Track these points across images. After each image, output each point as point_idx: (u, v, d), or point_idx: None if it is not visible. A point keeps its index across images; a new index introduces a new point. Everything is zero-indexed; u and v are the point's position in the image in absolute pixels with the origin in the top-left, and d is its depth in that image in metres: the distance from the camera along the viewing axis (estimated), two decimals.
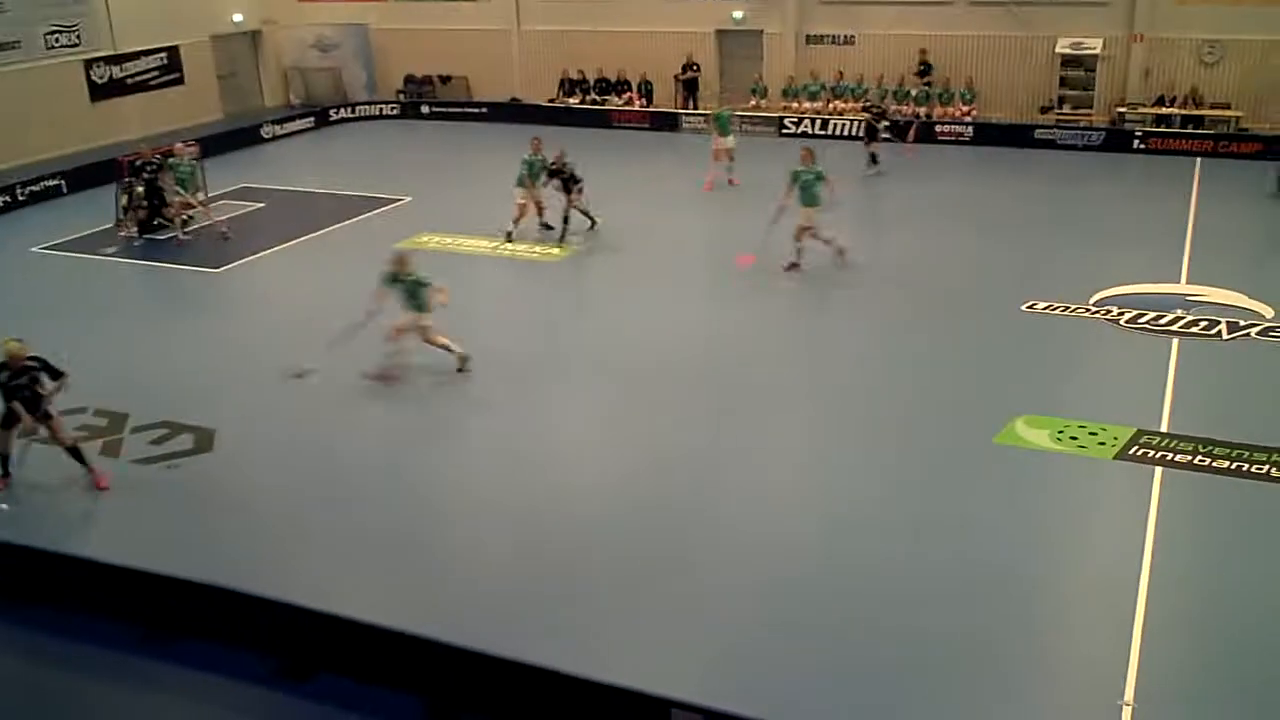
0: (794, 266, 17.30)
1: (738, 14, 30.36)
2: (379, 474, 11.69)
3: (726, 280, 17.36)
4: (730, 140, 22.93)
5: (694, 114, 30.00)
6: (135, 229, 20.65)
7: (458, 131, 30.87)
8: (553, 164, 19.03)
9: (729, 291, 16.90)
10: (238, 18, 32.89)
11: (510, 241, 19.17)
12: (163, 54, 30.70)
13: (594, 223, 19.57)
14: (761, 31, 30.41)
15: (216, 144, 26.60)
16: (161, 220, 20.70)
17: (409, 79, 34.21)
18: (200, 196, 20.94)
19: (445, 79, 33.98)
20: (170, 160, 20.53)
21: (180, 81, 31.34)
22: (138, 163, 21.04)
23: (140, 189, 20.80)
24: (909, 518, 10.54)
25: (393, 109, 33.07)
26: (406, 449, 12.33)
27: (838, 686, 8.28)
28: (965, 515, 10.57)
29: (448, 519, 10.89)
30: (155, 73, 30.59)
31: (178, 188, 20.24)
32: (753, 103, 29.88)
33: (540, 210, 19.61)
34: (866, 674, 8.41)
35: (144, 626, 9.13)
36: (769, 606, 9.27)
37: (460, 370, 13.94)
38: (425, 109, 32.91)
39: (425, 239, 19.71)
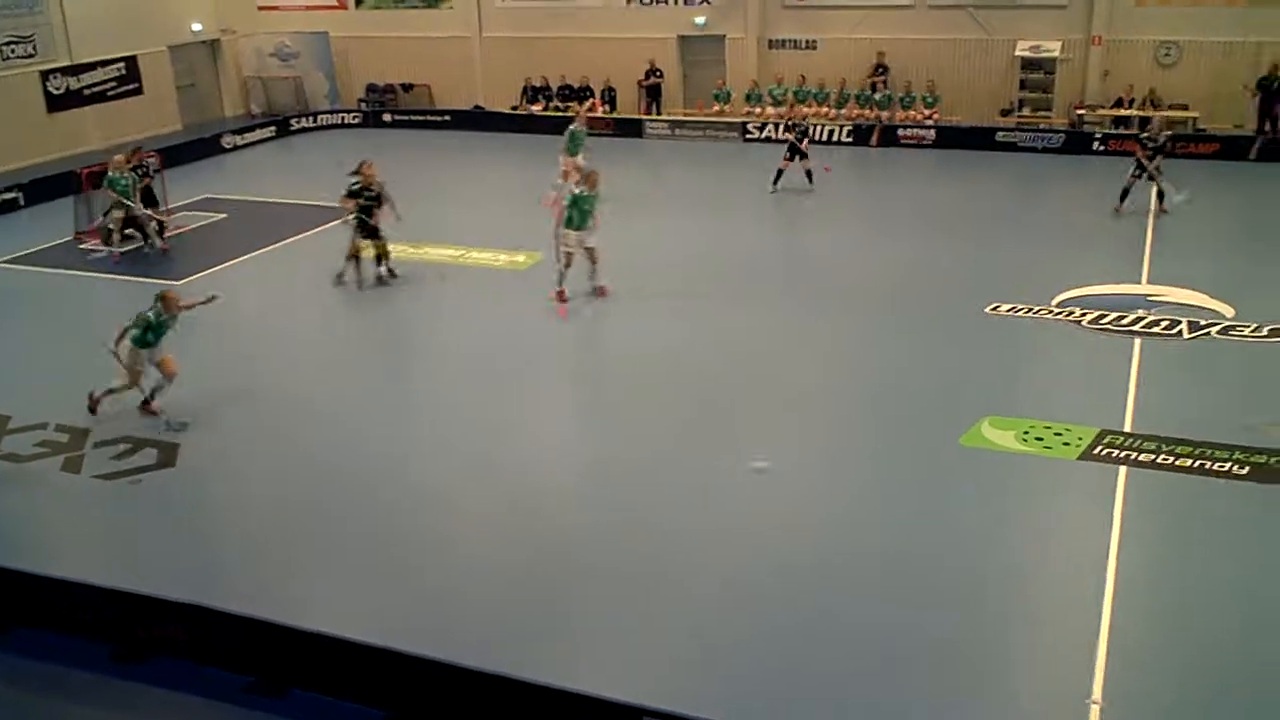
0: (561, 296, 16.49)
1: (700, 19, 30.45)
2: (348, 486, 11.61)
3: (695, 287, 17.38)
4: (580, 159, 21.56)
5: (658, 120, 30.06)
6: (118, 239, 20.13)
7: (421, 140, 30.76)
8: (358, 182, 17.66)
9: (695, 298, 16.90)
10: (196, 27, 32.63)
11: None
12: (120, 64, 30.37)
13: None
14: (724, 36, 30.52)
15: (177, 154, 26.36)
16: (131, 232, 20.44)
17: (371, 87, 34.07)
18: (161, 208, 20.75)
19: (407, 87, 33.86)
20: (109, 175, 20.14)
21: (139, 92, 31.02)
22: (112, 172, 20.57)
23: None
24: (878, 520, 10.59)
25: (355, 118, 32.90)
26: (375, 459, 12.25)
27: (809, 688, 8.30)
28: (934, 516, 10.63)
29: (419, 530, 10.82)
30: (113, 83, 30.26)
31: (126, 201, 19.89)
32: (715, 108, 29.95)
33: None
34: (837, 675, 8.44)
35: (113, 645, 9.02)
36: (738, 611, 9.28)
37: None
38: (388, 117, 32.77)
39: (390, 248, 19.58)
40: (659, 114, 30.56)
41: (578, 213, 16.25)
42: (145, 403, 13.20)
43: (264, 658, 8.64)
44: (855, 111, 28.80)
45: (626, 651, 8.89)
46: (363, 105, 33.64)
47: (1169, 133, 21.12)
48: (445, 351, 15.32)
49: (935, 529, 10.43)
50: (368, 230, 17.58)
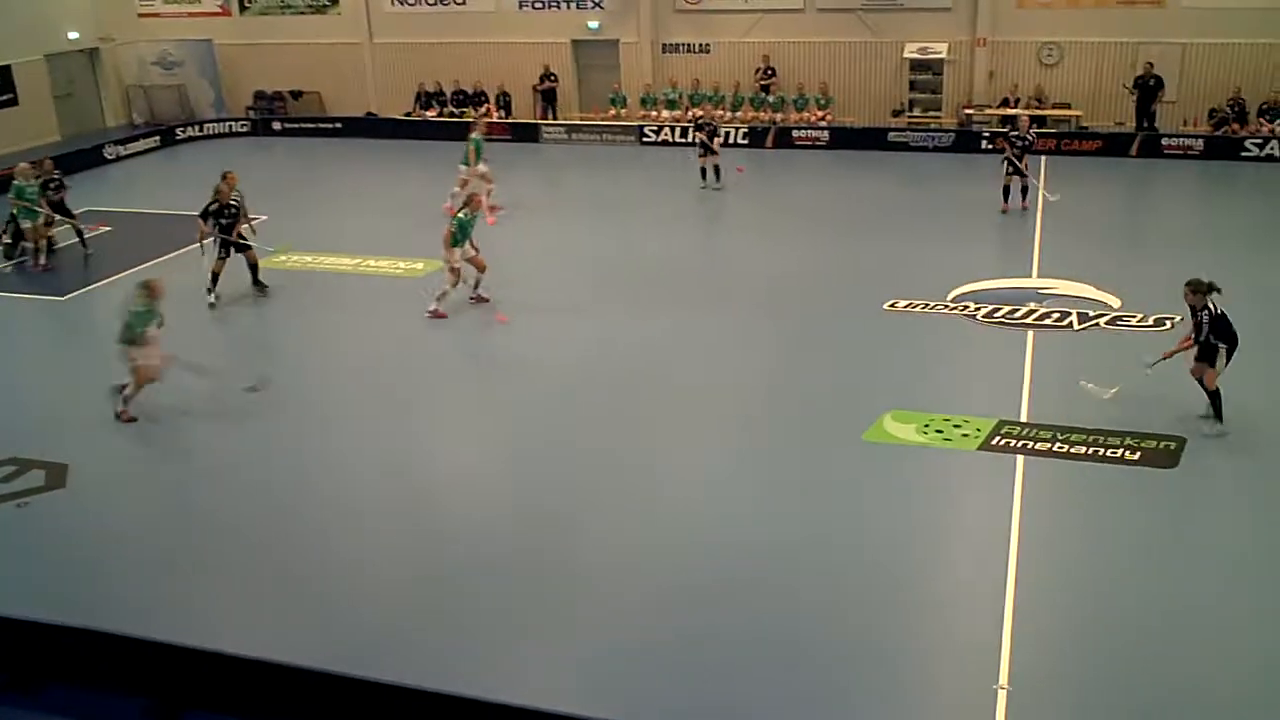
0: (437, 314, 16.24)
1: (593, 24, 30.43)
2: (245, 500, 11.31)
3: (596, 291, 17.34)
4: (482, 166, 21.47)
5: (554, 124, 29.96)
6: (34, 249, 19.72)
7: (312, 148, 30.23)
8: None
9: (597, 302, 16.86)
10: (73, 35, 31.62)
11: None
12: None
13: None
14: (618, 41, 30.55)
15: (56, 166, 25.41)
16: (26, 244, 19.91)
17: (259, 95, 33.35)
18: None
19: (297, 94, 33.22)
20: (16, 184, 19.56)
21: (14, 102, 29.98)
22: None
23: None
24: (783, 516, 10.66)
25: (243, 126, 32.19)
26: (275, 471, 11.95)
27: (715, 688, 8.29)
28: (839, 511, 10.74)
29: (327, 543, 10.58)
30: None
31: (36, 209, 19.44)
32: (611, 112, 29.97)
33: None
34: (747, 672, 8.45)
35: (4, 674, 8.63)
36: (648, 613, 9.25)
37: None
38: (277, 125, 32.12)
39: (284, 257, 19.20)
40: (555, 119, 30.45)
41: (461, 233, 16.20)
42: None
43: (160, 679, 8.34)
44: (749, 114, 29.05)
45: (542, 660, 8.80)
46: (251, 113, 32.92)
47: (1035, 130, 21.72)
48: (345, 361, 15.03)
49: (840, 523, 10.54)
50: (230, 249, 17.15)
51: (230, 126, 32.07)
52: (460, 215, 16.37)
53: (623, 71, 30.63)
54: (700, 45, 30.05)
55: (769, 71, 29.14)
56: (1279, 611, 9.07)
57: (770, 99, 28.93)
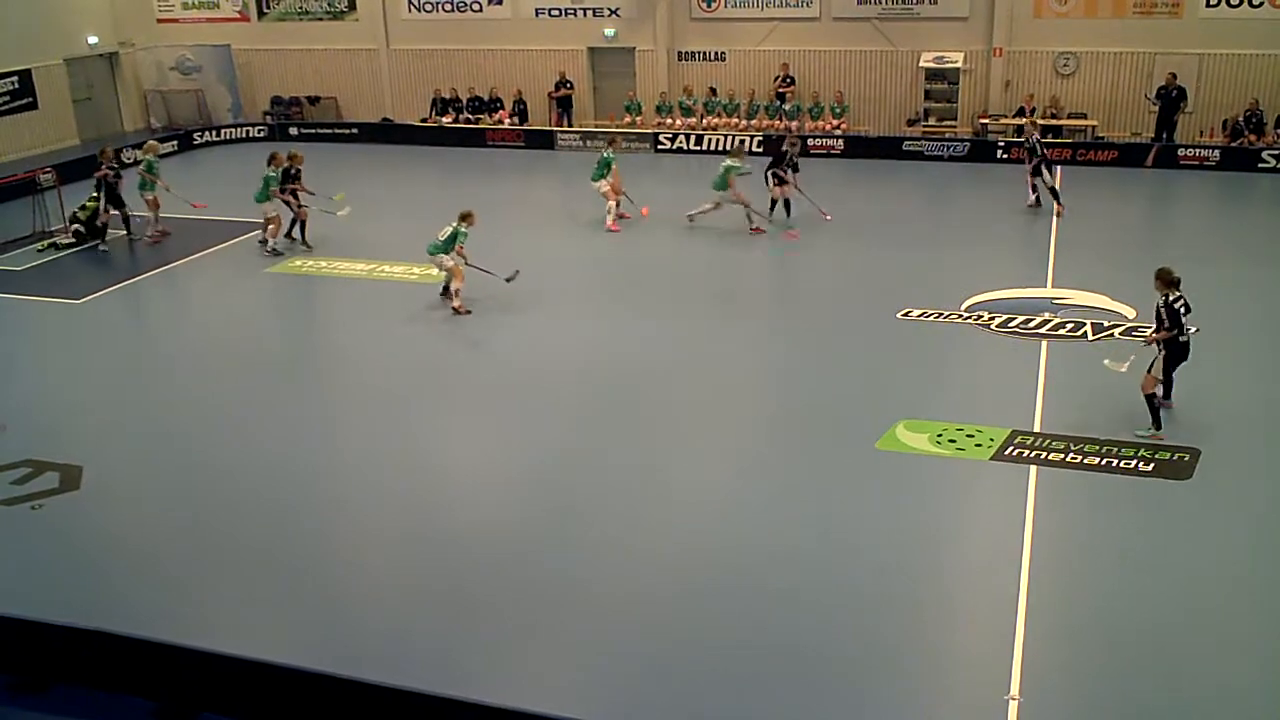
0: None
1: (610, 31, 30.50)
2: (257, 505, 11.34)
3: (613, 297, 17.36)
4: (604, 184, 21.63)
5: (570, 132, 30.02)
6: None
7: (328, 153, 30.27)
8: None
9: (614, 309, 16.88)
10: (93, 39, 31.83)
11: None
12: (13, 78, 29.51)
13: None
14: (634, 49, 30.62)
15: (74, 170, 25.59)
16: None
17: (276, 100, 33.53)
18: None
19: (314, 100, 33.39)
20: (146, 159, 21.76)
21: (34, 106, 30.17)
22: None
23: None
24: (796, 524, 10.64)
25: (260, 131, 32.31)
26: (283, 478, 11.98)
27: (726, 693, 8.28)
28: (852, 520, 10.72)
29: (332, 547, 10.61)
30: (6, 97, 29.38)
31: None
32: (627, 119, 30.02)
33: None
34: (756, 679, 8.43)
35: (15, 675, 8.68)
36: (657, 618, 9.24)
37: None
38: (294, 131, 32.21)
39: (299, 263, 19.29)
40: (570, 126, 30.52)
41: (451, 241, 16.39)
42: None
43: (170, 682, 8.37)
44: (765, 122, 29.06)
45: (551, 666, 8.81)
46: (268, 118, 33.07)
47: (1037, 136, 21.73)
48: (358, 365, 15.07)
49: (853, 531, 10.51)
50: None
51: (247, 131, 32.19)
52: (457, 226, 16.45)
53: (638, 79, 30.69)
54: (715, 53, 30.11)
55: (788, 80, 29.16)
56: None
57: (786, 107, 28.95)
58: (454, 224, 16.45)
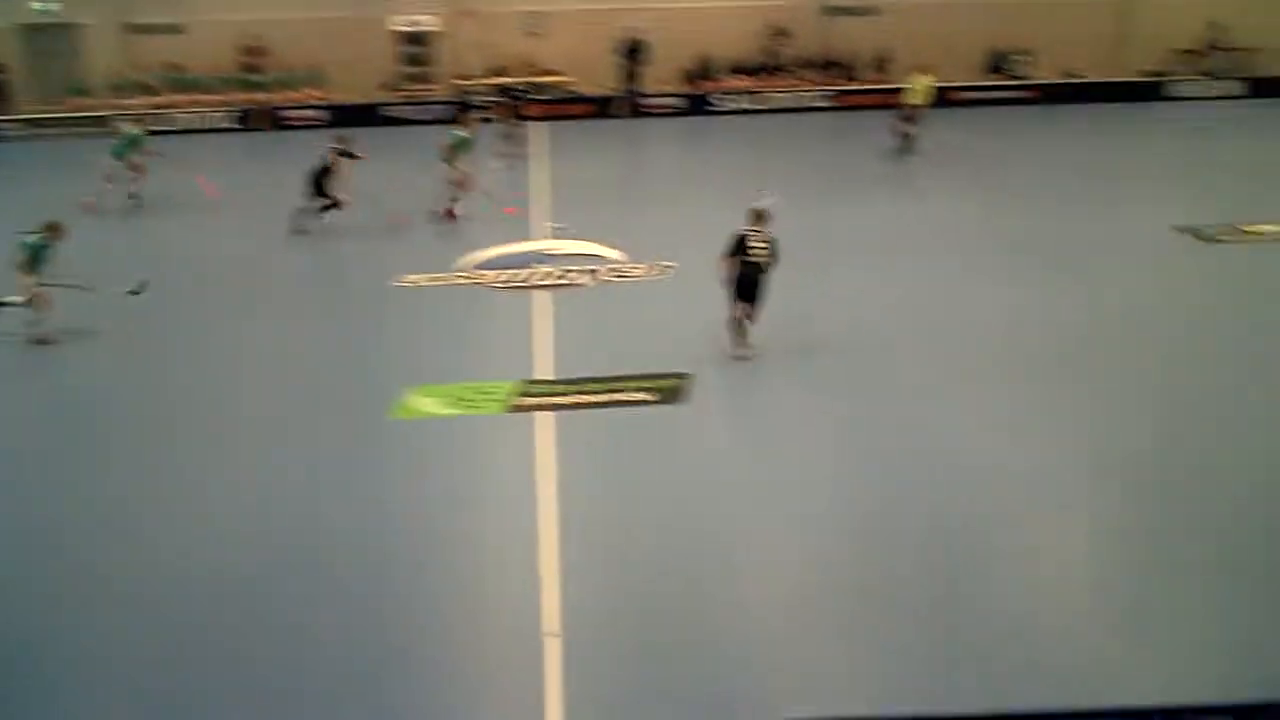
0: None
1: (44, 5, 27.22)
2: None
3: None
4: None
5: (8, 120, 26.63)
6: None
7: None
8: None
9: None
10: None
11: None
12: None
13: None
14: (75, 24, 27.58)
15: None
16: None
17: None
18: None
19: None
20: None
21: None
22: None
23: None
24: (319, 505, 10.02)
25: None
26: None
27: (262, 676, 7.61)
28: (374, 491, 10.26)
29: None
30: None
31: None
32: (76, 102, 27.05)
33: None
34: (290, 659, 7.87)
35: None
36: (201, 609, 8.33)
37: None
38: None
39: None
40: (7, 114, 27.04)
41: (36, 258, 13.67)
42: None
43: None
44: (236, 95, 27.37)
45: None
46: None
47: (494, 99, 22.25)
48: None
49: (377, 502, 10.08)
50: None
51: None
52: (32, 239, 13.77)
53: (84, 58, 27.71)
54: (172, 25, 27.81)
55: (258, 50, 27.59)
56: (786, 526, 9.74)
57: (258, 79, 27.42)
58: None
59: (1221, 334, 13.76)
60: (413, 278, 15.76)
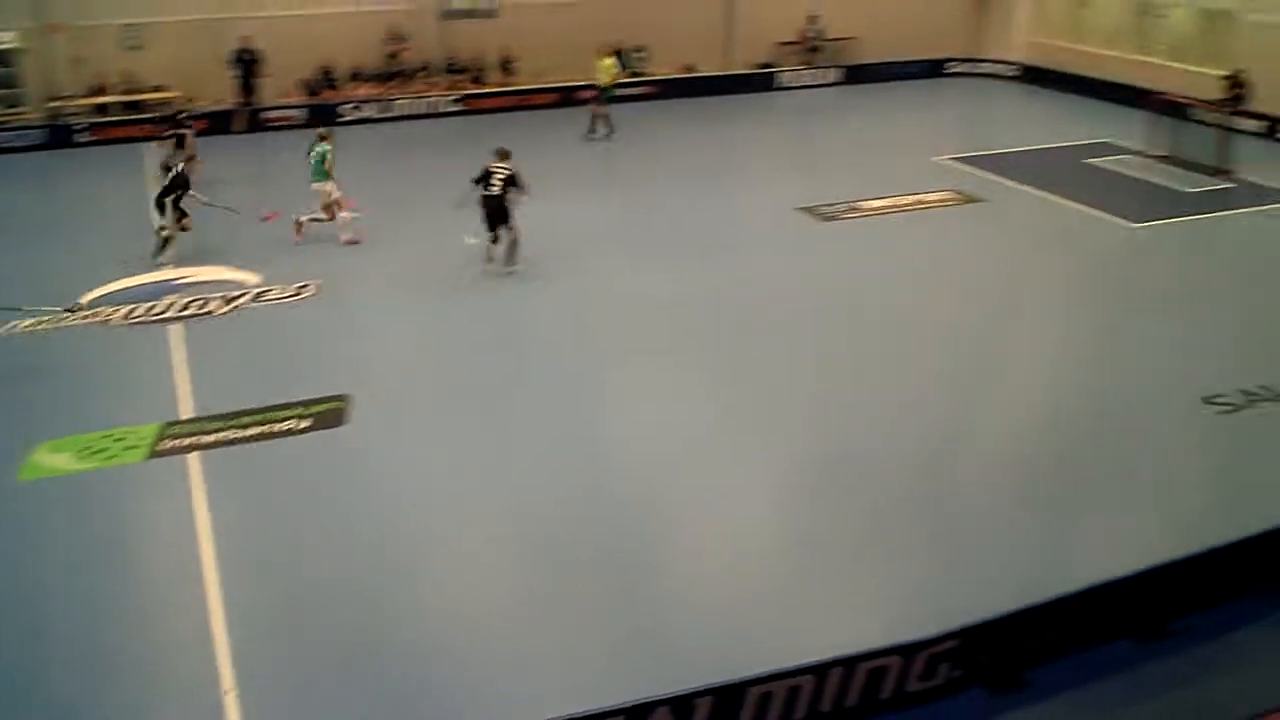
0: None
1: None
2: None
3: None
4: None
5: None
6: None
7: None
8: None
9: None
10: None
11: None
12: None
13: None
14: None
15: None
16: None
17: None
18: None
19: None
20: None
21: None
22: None
23: None
24: None
25: None
26: None
27: None
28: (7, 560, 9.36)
29: None
30: None
31: None
32: None
33: None
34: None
35: None
36: None
37: None
38: None
39: None
40: None
41: None
42: None
43: None
44: None
45: None
46: None
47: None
48: None
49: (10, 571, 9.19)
50: None
51: None
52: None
53: None
54: None
55: None
56: (460, 530, 9.82)
57: None
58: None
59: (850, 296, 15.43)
60: (26, 325, 14.29)
